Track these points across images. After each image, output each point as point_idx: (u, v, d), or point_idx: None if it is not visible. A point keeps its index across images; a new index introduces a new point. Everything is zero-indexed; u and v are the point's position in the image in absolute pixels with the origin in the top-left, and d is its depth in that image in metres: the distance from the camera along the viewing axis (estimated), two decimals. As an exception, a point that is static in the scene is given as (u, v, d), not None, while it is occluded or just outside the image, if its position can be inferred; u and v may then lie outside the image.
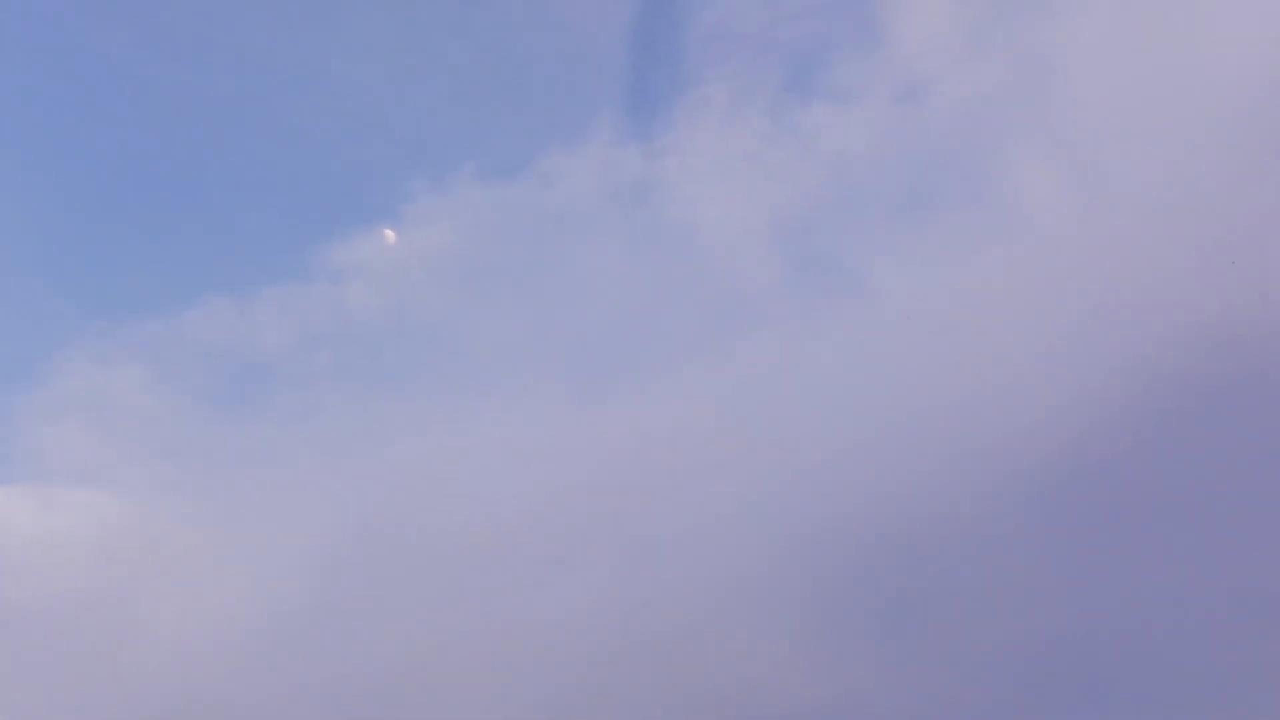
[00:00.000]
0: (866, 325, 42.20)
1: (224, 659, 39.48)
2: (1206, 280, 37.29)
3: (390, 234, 47.12)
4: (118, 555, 42.11)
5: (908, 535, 37.05)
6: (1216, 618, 32.16)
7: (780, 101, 46.68)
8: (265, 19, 50.96)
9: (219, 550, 42.84)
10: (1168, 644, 32.87)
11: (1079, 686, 33.41)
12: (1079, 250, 40.55)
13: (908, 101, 45.36)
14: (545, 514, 41.09)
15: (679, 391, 43.00)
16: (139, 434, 44.85)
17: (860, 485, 38.47)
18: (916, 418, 39.01)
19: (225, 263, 49.44)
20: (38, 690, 39.62)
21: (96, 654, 40.36)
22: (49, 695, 39.47)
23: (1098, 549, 35.20)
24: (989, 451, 37.96)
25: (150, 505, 43.23)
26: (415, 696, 38.80)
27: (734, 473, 39.56)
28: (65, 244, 48.88)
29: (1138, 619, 33.39)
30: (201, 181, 49.61)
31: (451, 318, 46.76)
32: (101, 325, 48.19)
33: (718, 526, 39.22)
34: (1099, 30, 43.90)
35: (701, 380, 42.90)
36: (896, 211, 44.31)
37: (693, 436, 40.75)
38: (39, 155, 50.45)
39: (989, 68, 44.69)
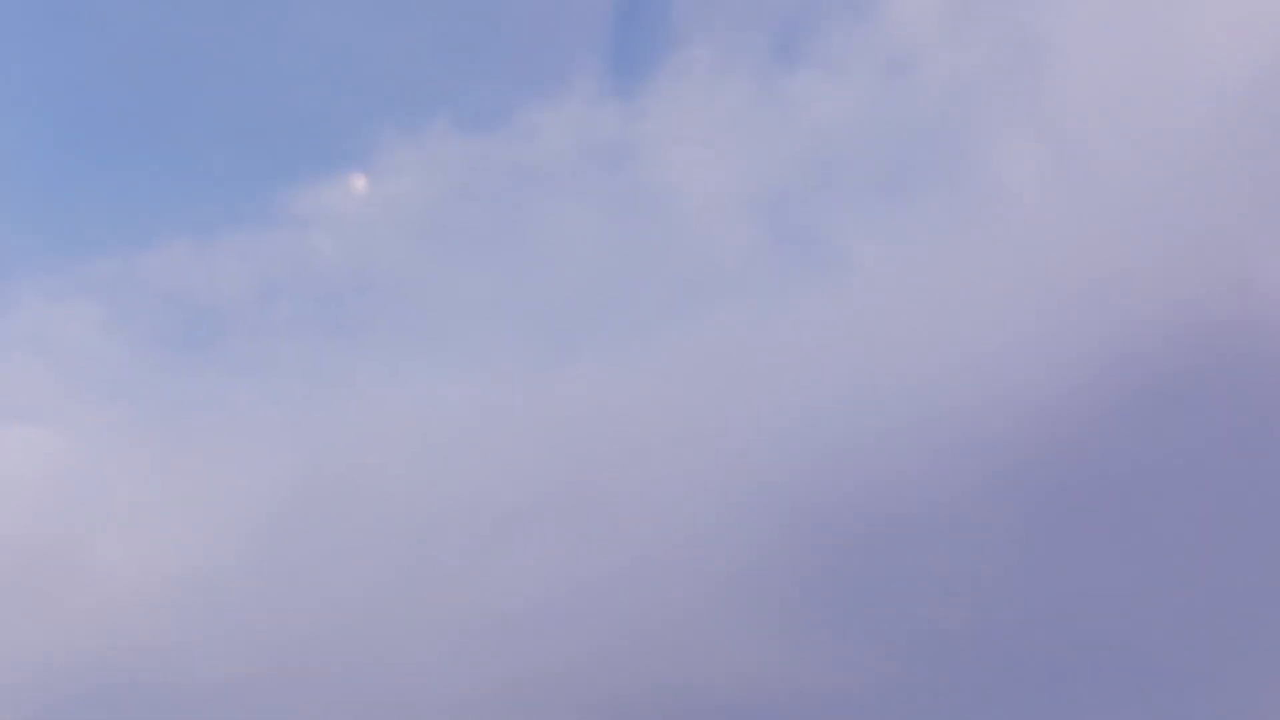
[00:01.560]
0: (844, 301, 41.78)
1: (172, 605, 38.63)
2: (1190, 266, 37.09)
3: (359, 182, 46.03)
4: (65, 497, 41.08)
5: (885, 523, 36.77)
6: (1195, 605, 32.03)
7: (767, 68, 45.89)
8: (239, -46, 49.67)
9: (169, 496, 41.87)
10: (1149, 631, 32.77)
11: (1060, 674, 33.20)
12: (1062, 232, 40.28)
13: (896, 74, 44.74)
14: (505, 477, 40.46)
15: (648, 359, 42.46)
16: (90, 374, 43.72)
17: (830, 461, 38.13)
18: (888, 398, 38.68)
19: (186, 204, 48.19)
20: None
21: (42, 596, 39.42)
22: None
23: (1077, 536, 35.02)
24: (962, 434, 37.70)
25: (100, 447, 42.17)
26: (362, 653, 38.15)
27: (700, 446, 39.12)
28: (20, 176, 47.51)
29: (1119, 607, 33.22)
30: (165, 119, 48.29)
31: (417, 271, 45.88)
32: (55, 261, 46.87)
33: (681, 499, 38.76)
34: (1091, 12, 43.54)
35: (672, 349, 42.36)
36: (879, 185, 43.81)
37: (660, 407, 40.26)
38: (-4, 85, 48.99)
39: (979, 44, 44.21)
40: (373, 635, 37.72)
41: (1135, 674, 32.47)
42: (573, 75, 46.82)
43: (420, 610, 37.74)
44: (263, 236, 46.10)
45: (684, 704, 35.59)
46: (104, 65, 49.32)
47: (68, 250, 48.99)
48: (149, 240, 47.33)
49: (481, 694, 36.79)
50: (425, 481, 40.12)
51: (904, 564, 36.35)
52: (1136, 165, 40.41)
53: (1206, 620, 31.86)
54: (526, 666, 36.50)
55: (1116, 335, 36.62)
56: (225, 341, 45.37)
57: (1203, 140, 39.58)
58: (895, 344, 39.75)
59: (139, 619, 38.41)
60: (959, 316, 39.81)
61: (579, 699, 36.79)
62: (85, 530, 40.26)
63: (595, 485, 39.23)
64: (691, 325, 42.90)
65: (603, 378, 41.69)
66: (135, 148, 48.63)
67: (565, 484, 39.59)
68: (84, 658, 37.06)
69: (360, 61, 49.36)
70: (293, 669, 37.83)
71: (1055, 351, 37.53)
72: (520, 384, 42.24)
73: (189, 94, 49.46)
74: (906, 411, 38.03)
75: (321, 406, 43.55)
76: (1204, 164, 38.96)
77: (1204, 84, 40.32)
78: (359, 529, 39.99)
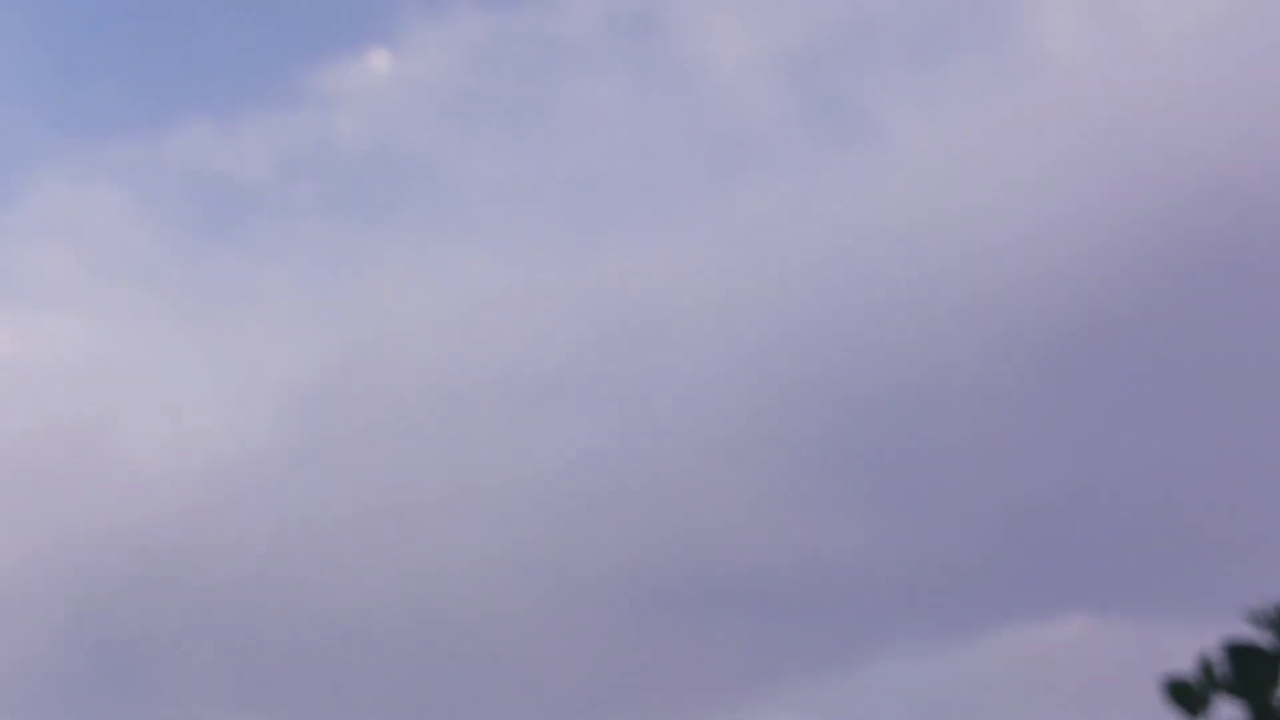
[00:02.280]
0: (878, 172, 40.81)
1: (202, 491, 38.95)
2: (1234, 132, 35.89)
3: (382, 59, 45.20)
4: (96, 382, 41.28)
5: (904, 390, 36.39)
6: (1217, 472, 31.55)
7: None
8: None
9: (200, 379, 42.00)
10: (1166, 505, 32.36)
11: (1074, 548, 32.99)
12: (1103, 96, 39.04)
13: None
14: (531, 358, 40.25)
15: (678, 237, 41.85)
16: (118, 259, 43.67)
17: (860, 338, 37.68)
18: (921, 271, 38.01)
19: (208, 84, 47.72)
20: (6, 519, 39.15)
21: (73, 482, 39.85)
22: (18, 524, 39.00)
23: (1098, 408, 34.61)
24: (993, 306, 37.10)
25: (129, 332, 42.27)
26: (392, 536, 38.38)
27: (730, 323, 38.69)
28: (41, 60, 47.02)
29: (1136, 480, 32.82)
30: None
31: (444, 151, 45.19)
32: (78, 145, 46.57)
33: (710, 377, 38.45)
34: None
35: (702, 227, 41.71)
36: (916, 50, 42.46)
37: (690, 284, 39.71)
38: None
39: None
40: (404, 512, 37.88)
41: (1155, 540, 32.19)
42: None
43: (452, 486, 37.84)
44: (285, 117, 45.50)
45: (716, 573, 35.68)
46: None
47: (89, 134, 48.68)
48: (171, 122, 46.95)
49: (517, 566, 37.02)
50: (455, 359, 39.96)
51: (930, 432, 36.08)
52: (1180, 23, 39.02)
53: (1229, 488, 31.37)
54: (562, 553, 36.61)
55: (1158, 203, 35.65)
56: (251, 223, 45.13)
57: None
58: (929, 215, 38.90)
59: (174, 499, 38.76)
60: (995, 184, 38.88)
61: (622, 587, 36.97)
62: (118, 414, 40.51)
63: (626, 359, 38.97)
64: (722, 198, 42.20)
65: (632, 252, 41.17)
66: (155, 29, 48.05)
67: (595, 358, 39.33)
68: (122, 535, 37.52)
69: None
70: (326, 547, 38.14)
71: (1092, 220, 36.65)
72: (549, 260, 41.82)
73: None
74: (938, 280, 37.42)
75: (349, 287, 43.36)
76: (1251, 21, 37.55)
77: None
78: (390, 408, 40.00)
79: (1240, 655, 3.68)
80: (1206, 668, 3.62)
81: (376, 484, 39.13)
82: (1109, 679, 32.02)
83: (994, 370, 35.13)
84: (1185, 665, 3.65)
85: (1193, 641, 3.65)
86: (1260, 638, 3.63)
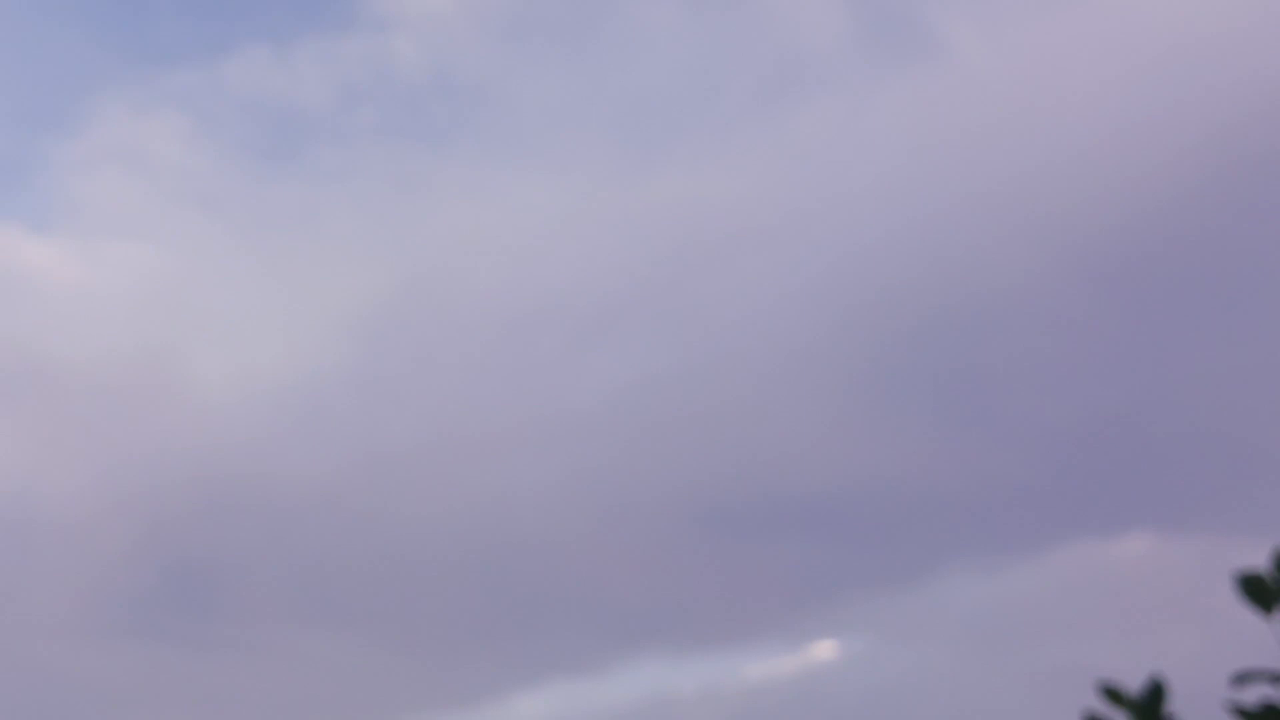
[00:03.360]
0: (937, 91, 40.13)
1: (267, 415, 39.50)
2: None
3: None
4: (160, 309, 41.88)
5: (962, 310, 36.12)
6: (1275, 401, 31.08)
7: None
8: None
9: (262, 306, 42.49)
10: (1230, 422, 31.97)
11: (1139, 465, 32.73)
12: (1167, 10, 38.17)
13: None
14: (591, 282, 40.28)
15: (735, 155, 41.53)
16: (181, 186, 44.05)
17: (918, 259, 37.36)
18: (981, 189, 37.55)
19: (266, 10, 47.78)
20: (78, 444, 39.88)
21: (142, 407, 40.51)
22: (89, 449, 39.73)
23: (1163, 326, 34.13)
24: (1054, 223, 36.61)
25: (192, 259, 42.76)
26: (453, 460, 38.79)
27: (787, 245, 38.48)
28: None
29: (1201, 397, 32.43)
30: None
31: (499, 76, 45.04)
32: (138, 74, 46.95)
33: (769, 300, 38.34)
34: None
35: (759, 144, 41.35)
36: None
37: (747, 206, 39.49)
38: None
39: None
40: (465, 435, 38.23)
41: (1220, 457, 31.89)
42: None
43: (513, 410, 38.11)
44: (343, 42, 45.50)
45: (777, 494, 35.80)
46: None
47: (150, 63, 49.02)
48: (230, 49, 47.04)
49: (578, 489, 37.31)
50: (512, 283, 40.08)
51: (989, 353, 35.82)
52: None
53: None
54: (623, 474, 36.84)
55: (1224, 122, 34.90)
56: (310, 150, 45.32)
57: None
58: (989, 133, 38.33)
59: (240, 423, 39.32)
60: (1058, 103, 38.20)
61: (681, 507, 37.17)
62: (185, 339, 41.09)
63: (683, 282, 38.90)
64: (779, 119, 41.76)
65: (689, 175, 40.98)
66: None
67: (653, 282, 39.28)
68: (190, 459, 38.17)
69: None
70: (389, 471, 38.61)
71: (1155, 138, 35.99)
72: (605, 184, 41.74)
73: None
74: (999, 198, 36.98)
75: (408, 212, 43.56)
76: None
77: None
78: (449, 331, 40.28)
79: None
80: (1280, 561, 3.62)
81: (437, 408, 39.55)
82: (1174, 596, 31.95)
83: (1057, 288, 34.79)
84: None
85: (1258, 558, 3.62)
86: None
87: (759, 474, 35.24)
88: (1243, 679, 3.42)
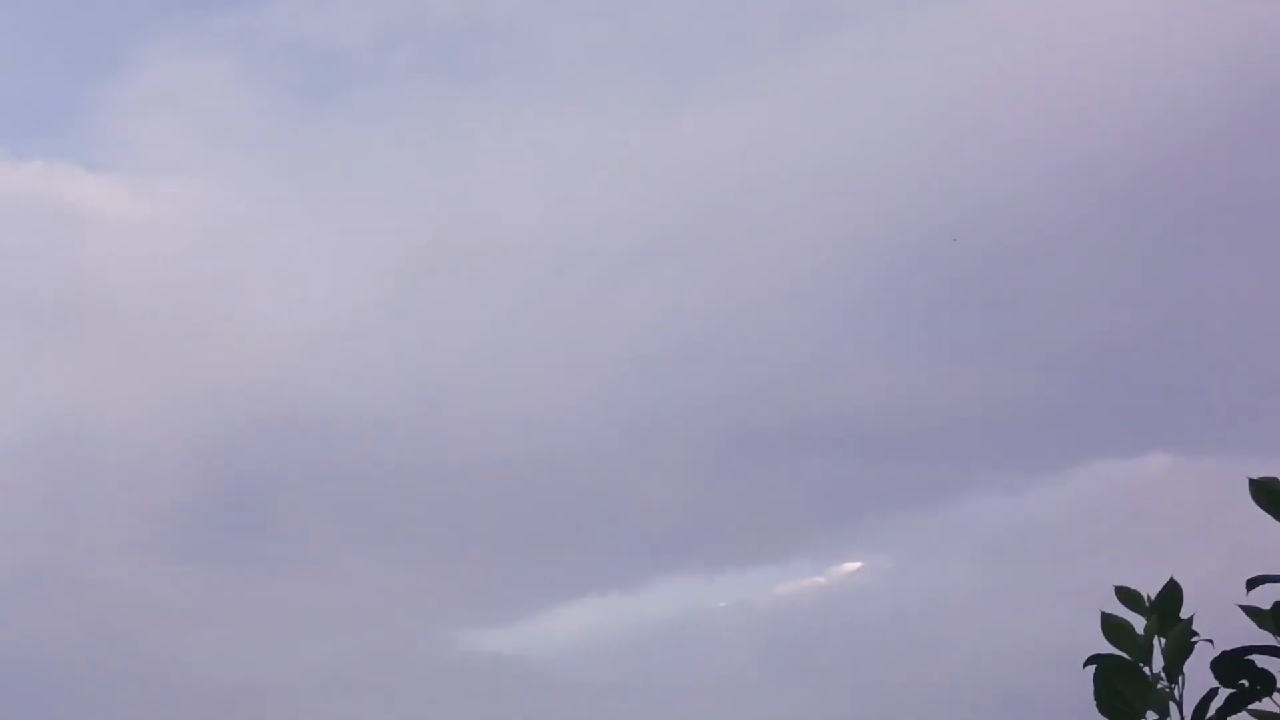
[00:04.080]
0: (964, 22, 40.75)
1: (318, 344, 40.82)
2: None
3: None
4: (212, 244, 43.20)
5: (985, 235, 36.80)
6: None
7: None
8: None
9: (306, 243, 43.77)
10: (1250, 345, 32.56)
11: (1157, 387, 33.42)
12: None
13: None
14: (627, 215, 41.28)
15: (765, 93, 42.16)
16: (226, 127, 45.25)
17: (930, 180, 37.95)
18: (1013, 121, 38.05)
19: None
20: (136, 374, 41.39)
21: (193, 339, 41.93)
22: (147, 379, 41.24)
23: (1169, 247, 34.72)
24: (1064, 142, 36.96)
25: (243, 197, 44.00)
26: (495, 388, 40.09)
27: (821, 176, 39.20)
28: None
29: (1220, 319, 33.07)
30: None
31: (533, 15, 45.92)
32: (183, 19, 48.07)
33: (797, 234, 39.19)
34: None
35: (789, 82, 41.95)
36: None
37: (778, 140, 40.23)
38: None
39: None
40: (505, 371, 39.50)
41: (1238, 379, 32.56)
42: None
43: (549, 340, 39.37)
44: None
45: (805, 416, 36.92)
46: None
47: (193, 8, 50.17)
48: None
49: (612, 426, 38.57)
50: (550, 222, 41.17)
51: (1037, 279, 36.47)
52: None
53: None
54: (656, 401, 38.01)
55: (1246, 35, 35.18)
56: (350, 90, 46.40)
57: None
58: (1019, 64, 38.87)
59: (289, 357, 40.71)
60: (1089, 33, 38.68)
61: (712, 431, 38.37)
62: (232, 277, 42.40)
63: (717, 220, 39.82)
64: (807, 57, 42.45)
65: (721, 113, 41.70)
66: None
67: (687, 220, 40.21)
68: (242, 387, 39.62)
69: None
70: (431, 403, 39.95)
71: (1178, 52, 36.32)
72: (638, 124, 42.61)
73: None
74: (1032, 133, 37.57)
75: (446, 152, 44.63)
76: None
77: None
78: (489, 270, 41.43)
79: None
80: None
81: (479, 339, 40.85)
82: (1193, 516, 32.85)
83: (1076, 211, 35.56)
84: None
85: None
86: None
87: (789, 397, 36.34)
88: (1257, 582, 3.50)
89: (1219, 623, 3.59)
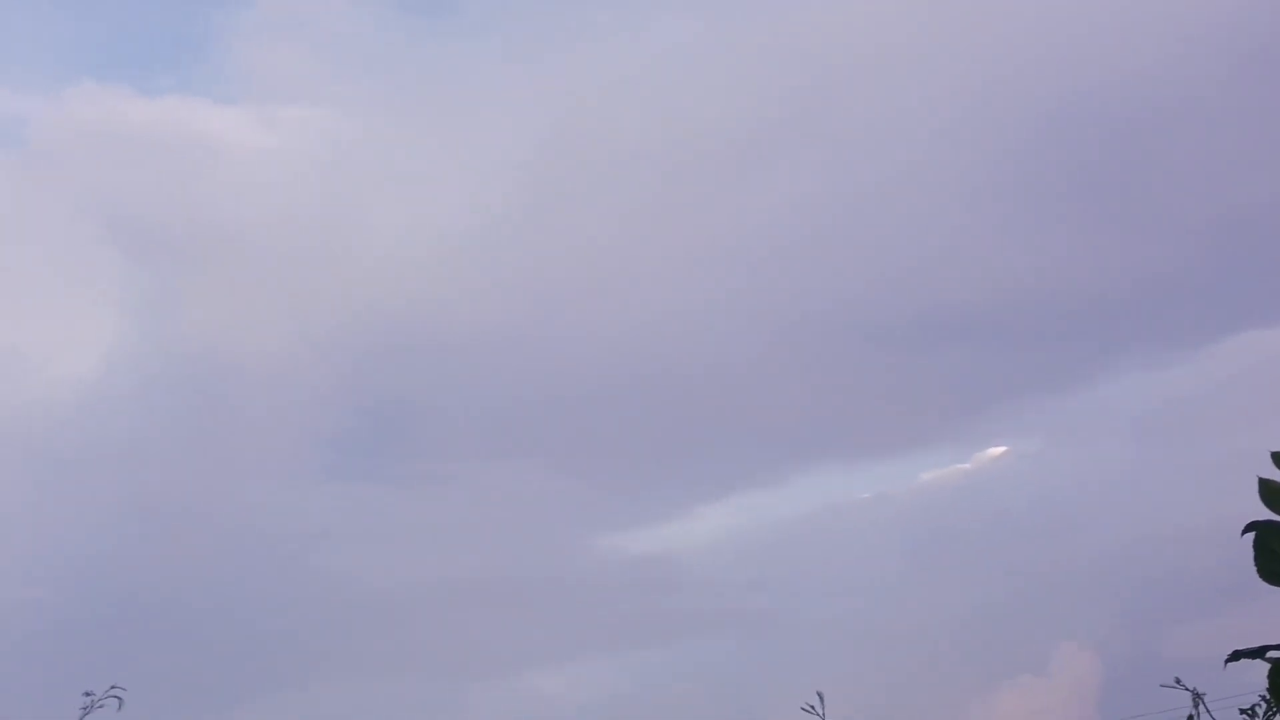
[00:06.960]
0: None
1: (443, 263, 41.13)
2: None
3: None
4: (335, 168, 43.74)
5: (1122, 110, 35.69)
6: None
7: None
8: None
9: (426, 160, 44.04)
10: None
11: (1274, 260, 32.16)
12: None
13: None
14: (744, 115, 40.57)
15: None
16: (346, 51, 45.75)
17: (1059, 51, 36.85)
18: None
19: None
20: (271, 299, 42.34)
21: (324, 263, 42.63)
22: (282, 303, 42.17)
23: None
24: (1199, 7, 35.62)
25: (362, 119, 44.49)
26: (621, 291, 40.02)
27: (944, 56, 38.25)
28: None
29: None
30: None
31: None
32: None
33: (923, 118, 38.24)
34: None
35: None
36: None
37: (894, 23, 39.21)
38: None
39: None
40: (627, 270, 39.41)
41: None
42: None
43: (674, 238, 39.07)
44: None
45: (942, 306, 36.29)
46: None
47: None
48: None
49: (744, 309, 38.27)
50: (664, 121, 40.68)
51: (1173, 150, 35.38)
52: None
53: None
54: (787, 298, 37.62)
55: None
56: (458, 4, 46.29)
57: None
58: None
59: (419, 278, 41.13)
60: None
61: (849, 325, 37.91)
62: (356, 197, 42.95)
63: (832, 110, 38.99)
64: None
65: (829, 12, 40.77)
66: None
67: (804, 109, 39.40)
68: (374, 309, 40.20)
69: None
70: (560, 303, 40.10)
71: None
72: (751, 14, 41.80)
73: None
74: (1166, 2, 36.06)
75: (557, 58, 44.39)
76: None
77: None
78: (606, 172, 41.20)
79: None
80: None
81: (604, 241, 40.78)
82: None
83: (1210, 85, 34.17)
84: None
85: None
86: None
87: (923, 287, 35.75)
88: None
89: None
